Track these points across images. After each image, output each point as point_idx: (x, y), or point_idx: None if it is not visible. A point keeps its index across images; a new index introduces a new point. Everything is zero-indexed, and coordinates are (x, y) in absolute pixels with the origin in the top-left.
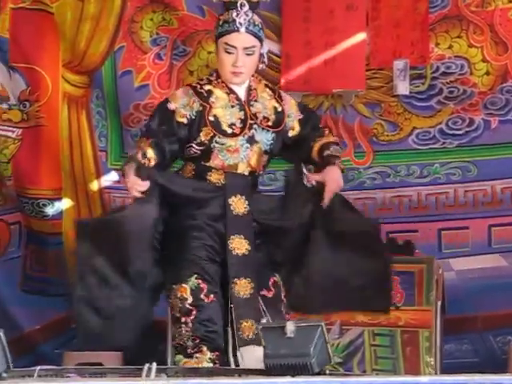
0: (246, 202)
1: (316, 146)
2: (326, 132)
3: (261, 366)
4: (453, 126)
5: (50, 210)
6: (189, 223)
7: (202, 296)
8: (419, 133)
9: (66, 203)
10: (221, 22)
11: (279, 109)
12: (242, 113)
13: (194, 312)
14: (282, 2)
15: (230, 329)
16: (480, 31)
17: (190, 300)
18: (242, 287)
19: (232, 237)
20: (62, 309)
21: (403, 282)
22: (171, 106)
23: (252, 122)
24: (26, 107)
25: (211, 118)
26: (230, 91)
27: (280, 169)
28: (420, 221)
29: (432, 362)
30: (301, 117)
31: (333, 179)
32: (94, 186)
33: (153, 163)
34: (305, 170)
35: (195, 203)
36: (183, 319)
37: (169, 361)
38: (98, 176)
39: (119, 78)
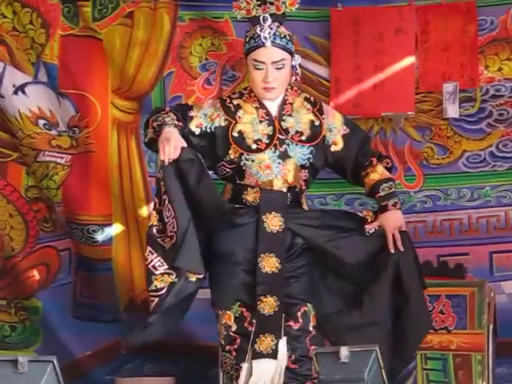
0: (282, 220)
1: (367, 184)
2: (374, 161)
3: (269, 379)
4: (503, 149)
5: (100, 236)
6: (226, 247)
7: (245, 324)
8: (469, 156)
9: (115, 229)
10: (247, 39)
11: (316, 122)
12: (271, 128)
13: (238, 340)
14: (331, 27)
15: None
16: None
17: (234, 328)
18: (268, 305)
19: (262, 255)
20: (112, 335)
21: (455, 305)
22: (192, 112)
23: (282, 137)
24: (76, 133)
25: (235, 134)
26: (261, 106)
27: (330, 193)
28: (471, 244)
29: None
30: (346, 132)
31: (390, 226)
32: (144, 211)
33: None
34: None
35: (231, 227)
36: (227, 347)
37: None
38: (148, 202)
39: (169, 104)
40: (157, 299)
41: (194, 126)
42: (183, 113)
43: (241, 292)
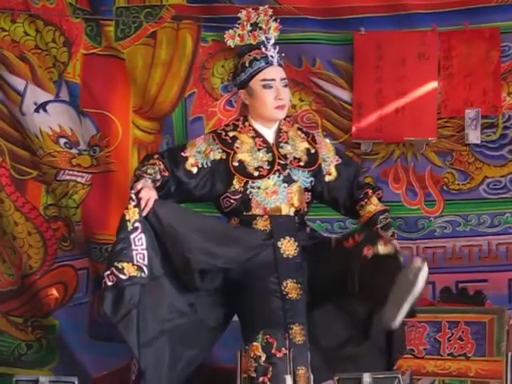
0: (296, 244)
1: (364, 217)
2: (370, 193)
3: None
4: None
5: None
6: (244, 278)
7: (273, 351)
8: (490, 182)
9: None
10: (247, 64)
11: (312, 150)
12: (270, 155)
13: (270, 369)
14: (353, 50)
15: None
16: None
17: (263, 357)
18: (297, 333)
19: (284, 282)
20: (128, 355)
21: (474, 332)
22: (185, 152)
23: (283, 162)
24: (96, 152)
25: (235, 164)
26: (257, 135)
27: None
28: (490, 270)
29: None
30: (339, 162)
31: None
32: None
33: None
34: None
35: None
36: (261, 379)
37: None
38: None
39: (190, 125)
40: (115, 279)
41: (189, 166)
42: (174, 156)
43: (263, 320)
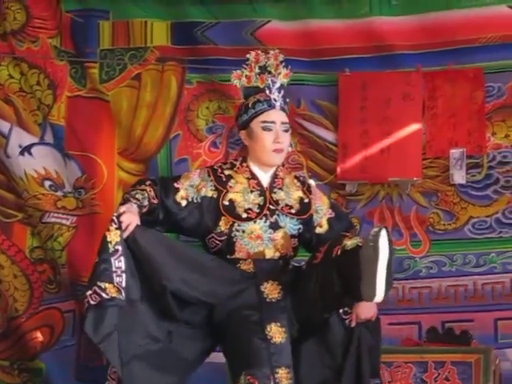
0: (279, 287)
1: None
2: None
3: None
4: (509, 215)
5: None
6: (228, 318)
7: None
8: (475, 222)
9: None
10: (250, 105)
11: (305, 200)
12: (262, 198)
13: None
14: (338, 91)
15: None
16: None
17: None
18: (284, 377)
19: (268, 326)
20: None
21: (460, 372)
22: (178, 184)
23: (273, 207)
24: (81, 195)
25: (225, 203)
26: (253, 177)
27: None
28: (476, 310)
29: None
30: (332, 216)
31: (362, 316)
32: None
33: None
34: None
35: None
36: None
37: None
38: None
39: (175, 166)
40: (99, 298)
41: (179, 198)
42: (166, 185)
43: (245, 361)
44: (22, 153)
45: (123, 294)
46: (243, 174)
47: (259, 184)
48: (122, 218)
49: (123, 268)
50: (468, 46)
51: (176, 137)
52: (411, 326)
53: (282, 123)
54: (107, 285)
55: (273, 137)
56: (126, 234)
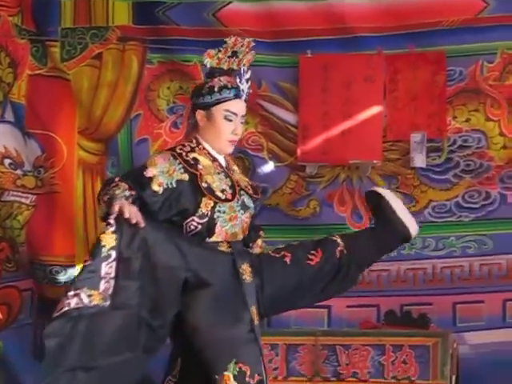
0: (250, 269)
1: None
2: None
3: None
4: (469, 200)
5: (63, 277)
6: (212, 303)
7: (247, 379)
8: (435, 206)
9: (79, 270)
10: (216, 89)
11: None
12: (228, 179)
13: None
14: (299, 72)
15: None
16: (497, 105)
17: None
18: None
19: (251, 308)
20: None
21: (418, 355)
22: (148, 172)
23: (239, 188)
24: (41, 173)
25: (204, 185)
26: (214, 159)
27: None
28: (435, 294)
29: None
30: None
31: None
32: None
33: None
34: None
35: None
36: None
37: None
38: None
39: (135, 146)
40: (81, 305)
41: (156, 186)
42: (137, 178)
43: (234, 348)
44: None
45: (108, 301)
46: (205, 157)
47: (221, 165)
48: (126, 214)
49: (113, 274)
50: (430, 29)
51: (137, 117)
52: (370, 309)
53: (242, 116)
54: (93, 291)
55: (232, 127)
56: (140, 221)
